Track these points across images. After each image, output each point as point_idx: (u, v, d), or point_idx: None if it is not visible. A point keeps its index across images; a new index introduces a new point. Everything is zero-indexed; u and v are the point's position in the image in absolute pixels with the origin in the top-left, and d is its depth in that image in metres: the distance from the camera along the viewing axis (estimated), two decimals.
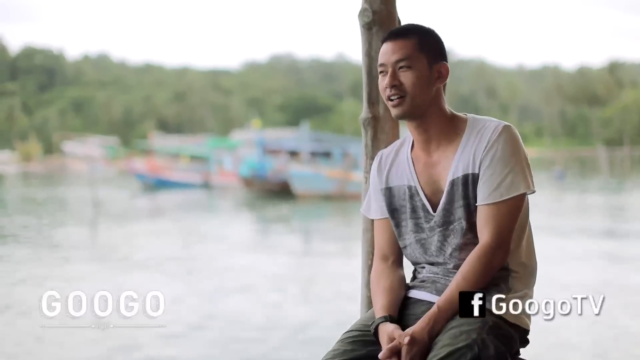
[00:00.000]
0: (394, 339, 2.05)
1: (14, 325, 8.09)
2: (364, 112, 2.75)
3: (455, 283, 2.09)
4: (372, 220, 2.42)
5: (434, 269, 2.22)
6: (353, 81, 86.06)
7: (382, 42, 2.23)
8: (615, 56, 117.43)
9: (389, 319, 2.12)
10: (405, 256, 2.30)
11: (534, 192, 2.16)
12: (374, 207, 2.33)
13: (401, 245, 2.28)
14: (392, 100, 2.18)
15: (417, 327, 2.05)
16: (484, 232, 2.11)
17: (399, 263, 2.31)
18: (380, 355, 2.05)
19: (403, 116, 2.19)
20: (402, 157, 2.27)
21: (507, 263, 2.16)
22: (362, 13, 2.70)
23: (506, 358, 2.01)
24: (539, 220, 15.88)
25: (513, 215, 2.12)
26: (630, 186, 30.44)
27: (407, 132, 2.32)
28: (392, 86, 2.16)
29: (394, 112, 2.19)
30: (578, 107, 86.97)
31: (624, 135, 76.56)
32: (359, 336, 2.15)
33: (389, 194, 2.28)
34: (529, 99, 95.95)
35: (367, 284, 2.68)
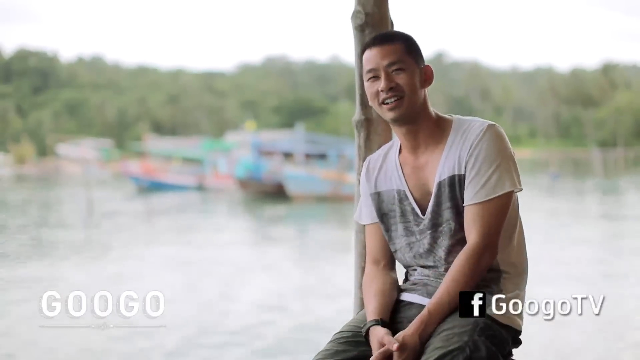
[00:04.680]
0: (384, 344, 2.04)
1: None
2: (356, 114, 2.74)
3: (445, 285, 2.09)
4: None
5: (426, 271, 2.22)
6: (347, 83, 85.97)
7: (365, 48, 2.22)
8: (609, 58, 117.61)
9: (380, 322, 2.12)
10: (397, 260, 2.30)
11: (520, 190, 2.15)
12: (365, 213, 2.34)
13: (392, 250, 2.28)
14: (387, 103, 2.16)
15: (408, 331, 2.05)
16: (472, 233, 2.11)
17: (390, 266, 2.31)
18: None
19: (400, 118, 2.17)
20: (391, 162, 2.27)
21: (497, 264, 2.16)
22: (354, 15, 2.69)
23: (498, 359, 2.02)
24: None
25: (500, 214, 2.11)
26: (625, 187, 30.49)
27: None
28: (390, 89, 2.14)
29: (391, 114, 2.16)
30: (572, 108, 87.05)
31: (617, 136, 76.70)
32: (350, 337, 2.15)
33: (378, 198, 2.28)
34: (523, 100, 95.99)
35: (360, 285, 2.67)
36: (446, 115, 2.25)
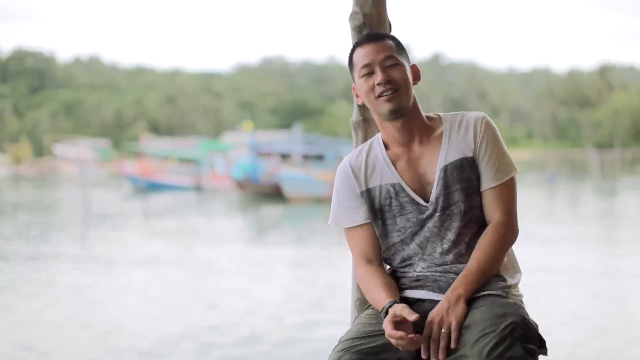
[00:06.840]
0: (400, 317, 2.04)
1: None
2: (354, 115, 2.74)
3: (474, 256, 2.15)
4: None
5: (427, 264, 2.21)
6: (345, 84, 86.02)
7: (355, 48, 2.26)
8: (606, 59, 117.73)
9: (399, 302, 2.11)
10: (389, 255, 2.28)
11: (517, 171, 2.26)
12: (350, 215, 2.29)
13: (388, 244, 2.26)
14: (385, 95, 2.18)
15: (450, 292, 2.10)
16: (495, 212, 2.20)
17: (383, 266, 2.30)
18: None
19: (398, 110, 2.19)
20: (378, 159, 2.28)
21: (498, 270, 2.21)
22: (352, 16, 2.69)
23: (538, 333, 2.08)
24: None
25: (514, 193, 2.24)
26: (621, 188, 30.51)
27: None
28: (387, 81, 2.18)
29: (389, 106, 2.19)
30: (569, 109, 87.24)
31: (614, 137, 76.84)
32: (362, 344, 2.11)
33: (369, 195, 2.26)
34: (520, 101, 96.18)
35: (358, 287, 2.67)
36: (430, 114, 2.32)
